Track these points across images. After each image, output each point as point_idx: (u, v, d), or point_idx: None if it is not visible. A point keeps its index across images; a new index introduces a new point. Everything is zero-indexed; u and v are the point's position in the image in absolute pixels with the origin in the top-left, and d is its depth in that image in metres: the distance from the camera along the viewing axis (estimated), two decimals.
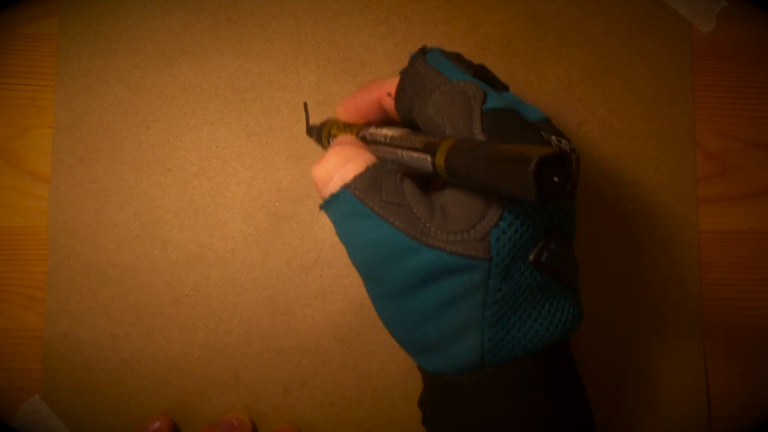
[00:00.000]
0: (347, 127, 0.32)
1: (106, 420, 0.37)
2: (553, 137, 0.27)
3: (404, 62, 0.39)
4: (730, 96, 0.41)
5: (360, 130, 0.31)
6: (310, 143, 0.39)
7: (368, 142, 0.30)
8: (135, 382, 0.38)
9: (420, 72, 0.28)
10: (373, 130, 0.30)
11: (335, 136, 0.33)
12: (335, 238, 0.39)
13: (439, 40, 0.40)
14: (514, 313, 0.26)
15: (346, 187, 0.27)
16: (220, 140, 0.39)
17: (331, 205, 0.28)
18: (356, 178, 0.27)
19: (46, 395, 0.37)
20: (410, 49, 0.40)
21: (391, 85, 0.30)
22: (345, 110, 0.32)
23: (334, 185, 0.27)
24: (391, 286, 0.27)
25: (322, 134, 0.34)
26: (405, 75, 0.29)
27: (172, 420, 0.36)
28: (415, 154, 0.26)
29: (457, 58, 0.29)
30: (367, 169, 0.27)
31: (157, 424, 0.36)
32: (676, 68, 0.41)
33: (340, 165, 0.27)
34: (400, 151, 0.27)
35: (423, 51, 0.29)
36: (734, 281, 0.40)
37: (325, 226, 0.39)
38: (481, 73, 0.29)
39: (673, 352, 0.39)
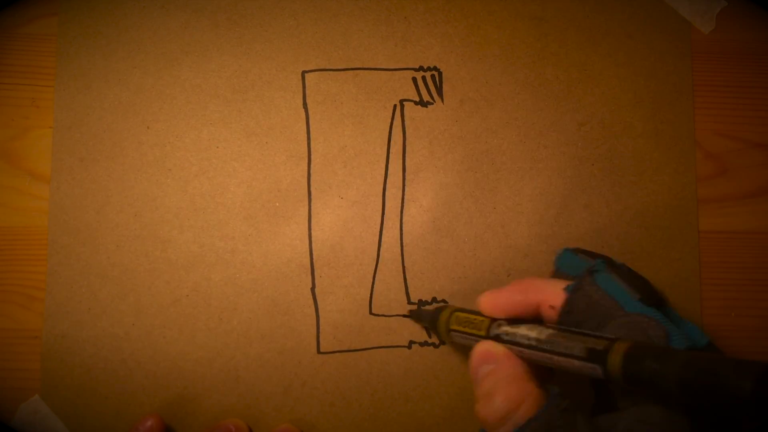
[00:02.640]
0: (471, 319, 0.31)
1: (106, 420, 0.37)
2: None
3: (404, 62, 0.40)
4: (730, 96, 0.41)
5: (491, 327, 0.30)
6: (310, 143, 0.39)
7: (501, 341, 0.29)
8: (135, 382, 0.38)
9: (592, 297, 0.27)
10: (507, 328, 0.29)
11: (461, 331, 0.31)
12: (335, 239, 0.39)
13: (439, 40, 0.40)
14: None
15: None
16: (220, 140, 0.39)
17: None
18: (530, 422, 0.26)
19: (45, 395, 0.37)
20: (410, 49, 0.40)
21: (554, 295, 0.28)
22: (492, 305, 0.30)
23: (506, 429, 0.26)
24: None
25: (438, 325, 0.33)
26: (574, 296, 0.28)
27: (162, 419, 0.36)
28: (576, 363, 0.25)
29: (627, 279, 0.28)
30: (541, 413, 0.26)
31: (149, 423, 0.36)
32: (676, 68, 0.41)
33: (511, 410, 0.26)
34: (555, 358, 0.26)
35: (591, 270, 0.28)
36: (734, 281, 0.40)
37: (325, 227, 0.39)
38: (646, 291, 0.28)
39: None
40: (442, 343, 0.38)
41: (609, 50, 0.41)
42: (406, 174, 0.39)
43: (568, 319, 0.28)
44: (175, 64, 0.39)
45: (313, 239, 0.39)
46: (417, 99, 0.40)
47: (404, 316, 0.38)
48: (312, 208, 0.39)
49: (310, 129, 0.39)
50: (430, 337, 0.38)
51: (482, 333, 0.31)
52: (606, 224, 0.40)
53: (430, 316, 0.35)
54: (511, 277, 0.39)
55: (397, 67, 0.40)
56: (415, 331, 0.39)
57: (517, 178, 0.40)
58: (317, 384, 0.38)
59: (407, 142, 0.39)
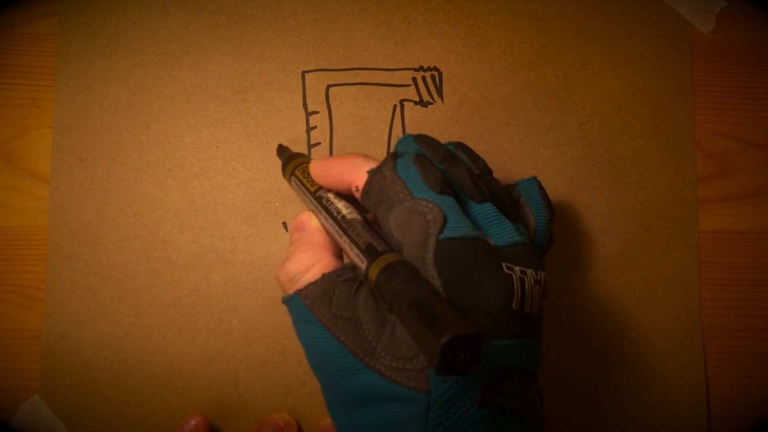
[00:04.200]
0: (305, 182, 0.32)
1: (106, 420, 0.37)
2: (517, 268, 0.26)
3: (404, 62, 0.40)
4: (730, 96, 0.41)
5: (319, 190, 0.31)
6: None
7: (320, 205, 0.30)
8: (134, 382, 0.38)
9: (387, 180, 0.27)
10: (331, 196, 0.30)
11: (299, 178, 0.32)
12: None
13: (439, 40, 0.40)
14: None
15: (298, 293, 0.27)
16: (220, 140, 0.39)
17: (287, 305, 0.28)
18: (309, 286, 0.27)
19: (45, 395, 0.37)
20: (410, 49, 0.40)
21: (360, 176, 0.29)
22: (316, 172, 0.31)
23: (290, 288, 0.28)
24: (337, 397, 0.27)
25: (287, 167, 0.34)
26: (372, 178, 0.28)
27: (207, 417, 0.37)
28: (354, 251, 0.26)
29: (427, 163, 0.28)
30: (322, 278, 0.27)
31: (193, 422, 0.36)
32: (676, 68, 0.41)
33: (300, 272, 0.27)
34: (343, 236, 0.27)
35: (395, 155, 0.28)
36: (734, 281, 0.40)
37: None
38: (457, 173, 0.28)
39: (673, 352, 0.39)
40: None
41: (609, 50, 0.41)
42: None
43: (367, 200, 0.28)
44: (175, 64, 0.39)
45: None
46: (417, 99, 0.40)
47: (277, 152, 0.37)
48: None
49: (310, 129, 0.39)
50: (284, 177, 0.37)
51: (312, 189, 0.31)
52: (606, 224, 0.40)
53: (286, 157, 0.35)
54: None
55: (397, 67, 0.40)
56: None
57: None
58: (317, 384, 0.38)
59: None
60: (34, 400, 0.37)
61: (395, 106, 0.40)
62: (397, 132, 0.40)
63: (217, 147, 0.39)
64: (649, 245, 0.40)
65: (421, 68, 0.40)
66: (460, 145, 0.32)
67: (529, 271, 0.26)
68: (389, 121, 0.40)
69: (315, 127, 0.39)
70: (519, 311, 0.25)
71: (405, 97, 0.40)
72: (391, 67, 0.40)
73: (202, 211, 0.39)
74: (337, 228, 0.28)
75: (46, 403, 0.37)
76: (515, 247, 0.27)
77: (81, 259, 0.38)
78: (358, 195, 0.29)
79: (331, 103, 0.39)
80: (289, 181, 0.34)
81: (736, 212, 0.40)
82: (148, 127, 0.39)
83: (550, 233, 0.32)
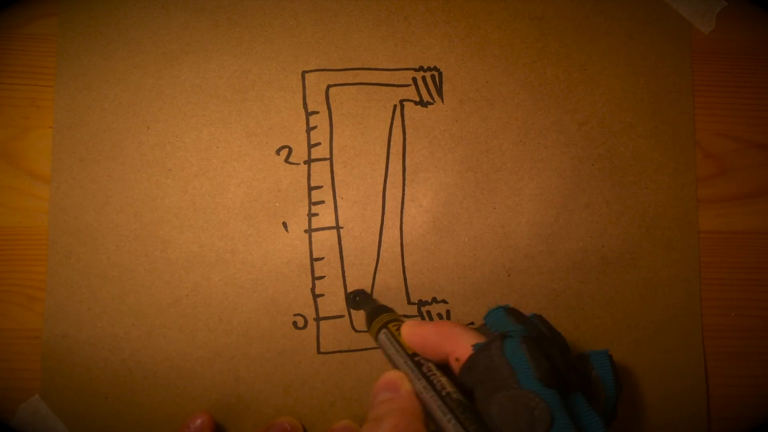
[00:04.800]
0: (398, 342, 0.31)
1: (106, 420, 0.37)
2: None
3: (404, 62, 0.40)
4: (731, 96, 0.41)
5: (417, 355, 0.30)
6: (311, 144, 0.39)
7: (420, 375, 0.29)
8: (134, 382, 0.38)
9: (494, 361, 0.27)
10: (433, 367, 0.29)
11: (394, 337, 0.32)
12: (334, 239, 0.39)
13: (439, 40, 0.40)
14: None
15: None
16: (220, 140, 0.39)
17: None
18: None
19: (45, 395, 0.37)
20: (410, 49, 0.40)
21: (463, 349, 0.28)
22: (411, 337, 0.31)
23: None
24: None
25: (374, 321, 0.34)
26: (479, 355, 0.28)
27: (212, 416, 0.37)
28: None
29: (535, 351, 0.28)
30: None
31: (198, 421, 0.36)
32: (676, 68, 0.41)
33: None
34: (447, 415, 0.27)
35: (503, 336, 0.28)
36: (734, 281, 0.40)
37: (324, 226, 0.39)
38: (556, 372, 0.28)
39: (673, 352, 0.39)
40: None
41: (609, 50, 0.41)
42: (406, 174, 0.39)
43: (467, 375, 0.28)
44: (175, 64, 0.39)
45: (313, 239, 0.39)
46: (417, 99, 0.40)
47: (347, 295, 0.38)
48: (312, 208, 0.39)
49: (310, 129, 0.39)
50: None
51: (410, 353, 0.31)
52: (606, 224, 0.40)
53: (371, 309, 0.35)
54: (511, 277, 0.39)
55: (397, 67, 0.40)
56: None
57: (517, 178, 0.40)
58: (317, 384, 0.38)
59: (407, 142, 0.39)
60: (34, 400, 0.37)
61: (395, 106, 0.40)
62: (398, 132, 0.40)
63: (217, 147, 0.39)
64: (649, 245, 0.40)
65: (421, 68, 0.40)
66: (539, 318, 0.32)
67: None
68: (389, 121, 0.40)
69: (315, 127, 0.39)
70: None
71: (405, 97, 0.40)
72: (391, 67, 0.40)
73: (202, 211, 0.39)
74: (440, 404, 0.27)
75: (46, 403, 0.37)
76: None
77: (81, 259, 0.38)
78: (456, 366, 0.29)
79: (331, 103, 0.39)
80: (376, 336, 0.34)
81: (736, 212, 0.40)
82: (148, 127, 0.39)
83: (617, 409, 0.33)
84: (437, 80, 0.40)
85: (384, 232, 0.39)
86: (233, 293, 0.38)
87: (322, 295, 0.39)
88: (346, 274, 0.39)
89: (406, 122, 0.40)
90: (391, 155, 0.39)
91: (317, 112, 0.39)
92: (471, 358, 0.28)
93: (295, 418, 0.38)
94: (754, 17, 0.42)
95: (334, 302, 0.38)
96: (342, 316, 0.39)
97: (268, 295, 0.38)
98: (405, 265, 0.39)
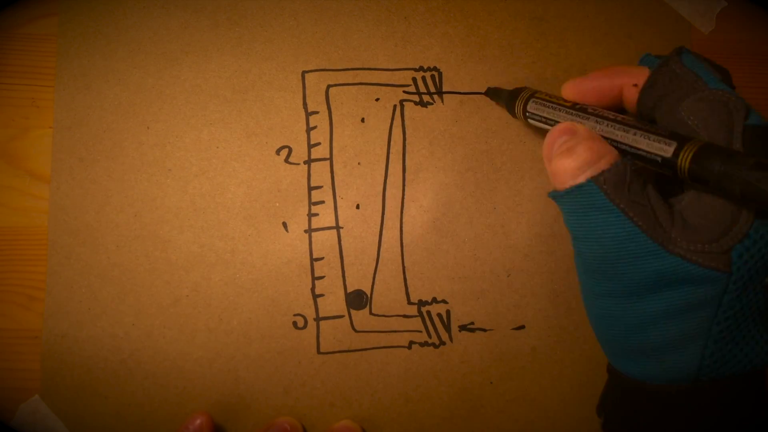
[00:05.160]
0: (554, 101, 0.32)
1: (106, 420, 0.37)
2: None
3: (404, 62, 0.40)
4: None
5: (574, 105, 0.30)
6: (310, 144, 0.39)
7: (588, 114, 0.30)
8: (134, 382, 0.38)
9: (676, 72, 0.28)
10: (597, 108, 0.30)
11: (546, 99, 0.32)
12: (334, 239, 0.39)
13: (439, 40, 0.40)
14: (740, 331, 0.25)
15: (593, 180, 0.26)
16: (220, 140, 0.39)
17: (571, 195, 0.27)
18: (605, 172, 0.26)
19: (45, 395, 0.37)
20: (410, 49, 0.40)
21: (638, 75, 0.29)
22: (578, 89, 0.31)
23: (579, 179, 0.27)
24: (621, 286, 0.27)
25: (516, 101, 0.34)
26: (659, 71, 0.29)
27: (211, 416, 0.37)
28: (653, 137, 0.26)
29: (712, 66, 0.29)
30: (617, 164, 0.27)
31: (198, 421, 0.36)
32: None
33: (593, 160, 0.27)
34: (632, 131, 0.27)
35: (678, 51, 0.29)
36: None
37: (325, 226, 0.39)
38: (728, 79, 0.29)
39: None
40: (442, 343, 0.38)
41: (609, 50, 0.41)
42: (406, 174, 0.39)
43: (650, 94, 0.29)
44: (175, 64, 0.39)
45: (313, 239, 0.39)
46: (417, 99, 0.40)
47: (481, 93, 0.39)
48: (312, 208, 0.39)
49: (310, 129, 0.39)
50: (429, 337, 0.39)
51: (568, 104, 0.31)
52: None
53: (507, 94, 0.36)
54: (511, 277, 0.39)
55: (397, 67, 0.40)
56: (415, 331, 0.39)
57: (517, 178, 0.40)
58: (317, 384, 0.38)
59: (407, 142, 0.39)
60: (34, 400, 0.37)
61: (395, 106, 0.40)
62: (398, 132, 0.40)
63: (217, 147, 0.39)
64: None
65: (421, 68, 0.40)
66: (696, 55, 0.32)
67: None
68: (389, 121, 0.40)
69: (315, 127, 0.39)
70: None
71: (405, 97, 0.40)
72: (391, 67, 0.40)
73: (202, 211, 0.39)
74: (620, 126, 0.28)
75: (46, 403, 0.37)
76: None
77: (81, 259, 0.38)
78: (634, 92, 0.29)
79: (331, 103, 0.39)
80: (524, 105, 0.34)
81: None
82: (148, 127, 0.39)
83: None
84: (437, 80, 0.40)
85: (384, 232, 0.39)
86: (233, 293, 0.38)
87: (322, 295, 0.39)
88: (346, 274, 0.39)
89: (406, 122, 0.40)
90: (391, 155, 0.39)
91: (317, 112, 0.39)
92: (651, 76, 0.29)
93: (295, 418, 0.38)
94: (754, 17, 0.42)
95: (334, 302, 0.38)
96: (342, 316, 0.39)
97: (268, 295, 0.38)
98: (405, 265, 0.39)
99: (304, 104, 0.39)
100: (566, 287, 0.39)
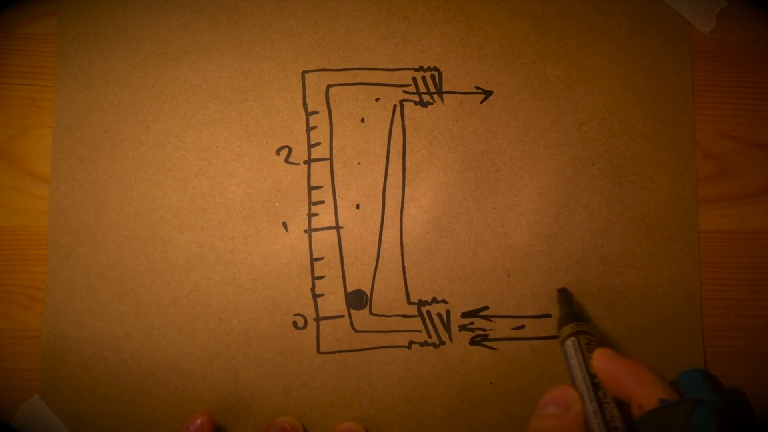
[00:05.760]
0: (585, 356, 0.33)
1: (106, 420, 0.37)
2: None
3: (404, 62, 0.40)
4: (730, 96, 0.41)
5: (597, 377, 0.31)
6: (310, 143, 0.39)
7: (596, 398, 0.30)
8: (134, 382, 0.38)
9: (677, 425, 0.27)
10: (609, 395, 0.30)
11: (584, 350, 0.33)
12: (334, 239, 0.39)
13: (439, 40, 0.40)
14: None
15: None
16: (220, 140, 0.39)
17: None
18: None
19: (45, 395, 0.37)
20: (410, 49, 0.40)
21: (648, 398, 0.28)
22: (601, 365, 0.31)
23: None
24: None
25: (565, 326, 0.35)
26: (663, 411, 0.27)
27: (212, 416, 0.36)
28: None
29: (726, 426, 0.27)
30: None
31: (198, 421, 0.36)
32: (676, 68, 0.41)
33: None
34: None
35: (695, 402, 0.27)
36: (734, 281, 0.40)
37: (324, 226, 0.39)
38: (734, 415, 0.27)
39: (673, 352, 0.39)
40: (442, 343, 0.38)
41: (609, 50, 0.41)
42: (406, 174, 0.39)
43: (645, 427, 0.28)
44: (175, 64, 0.39)
45: (313, 239, 0.39)
46: (417, 99, 0.40)
47: (558, 290, 0.38)
48: (312, 208, 0.39)
49: (310, 129, 0.39)
50: (429, 337, 0.39)
51: (591, 372, 0.31)
52: (606, 224, 0.40)
53: (572, 312, 0.36)
54: (511, 277, 0.39)
55: (397, 67, 0.40)
56: (414, 331, 0.39)
57: (517, 178, 0.40)
58: (317, 384, 0.38)
59: (407, 142, 0.39)
60: (34, 400, 0.37)
61: (395, 106, 0.40)
62: (398, 132, 0.40)
63: (217, 147, 0.39)
64: (649, 245, 0.40)
65: (421, 68, 0.40)
66: (739, 393, 0.31)
67: None
68: (389, 121, 0.40)
69: (315, 127, 0.39)
70: None
71: (405, 97, 0.40)
72: (391, 67, 0.40)
73: (202, 211, 0.39)
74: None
75: (46, 403, 0.37)
76: None
77: (81, 259, 0.38)
78: (637, 412, 0.29)
79: (331, 103, 0.39)
80: (563, 341, 0.35)
81: (736, 212, 0.40)
82: (148, 127, 0.39)
83: None
84: (437, 80, 0.40)
85: (384, 232, 0.39)
86: (233, 293, 0.38)
87: (322, 295, 0.39)
88: (346, 274, 0.39)
89: (406, 122, 0.40)
90: (391, 155, 0.39)
91: (317, 112, 0.39)
92: (654, 411, 0.28)
93: (295, 418, 0.38)
94: (754, 17, 0.42)
95: (334, 302, 0.38)
96: (342, 316, 0.39)
97: (268, 295, 0.38)
98: (405, 265, 0.39)
99: (304, 104, 0.39)
100: (566, 287, 0.39)
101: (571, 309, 0.37)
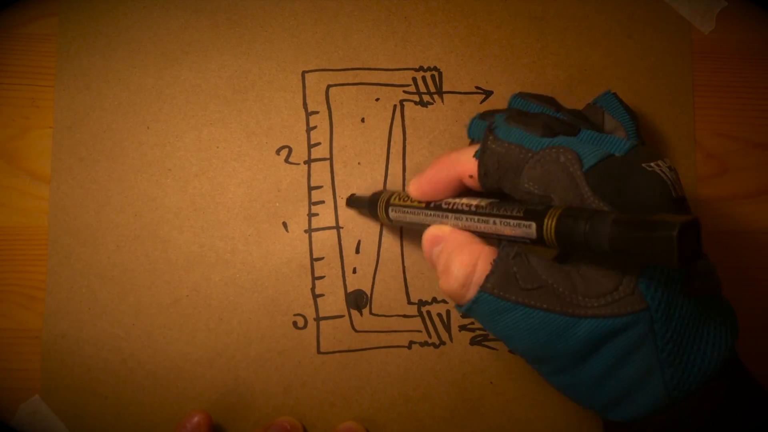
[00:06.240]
0: (410, 204, 0.32)
1: (106, 420, 0.37)
2: (652, 163, 0.27)
3: (404, 62, 0.40)
4: (730, 96, 0.41)
5: (428, 205, 0.31)
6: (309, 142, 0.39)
7: (443, 211, 0.30)
8: (134, 382, 0.38)
9: (499, 151, 0.28)
10: (448, 200, 0.30)
11: (401, 204, 0.33)
12: (334, 239, 0.39)
13: (439, 40, 0.40)
14: (686, 344, 0.25)
15: (482, 289, 0.27)
16: (220, 140, 0.39)
17: (473, 310, 0.28)
18: (488, 278, 0.27)
19: (45, 395, 0.37)
20: (410, 49, 0.40)
21: (468, 162, 0.29)
22: (420, 189, 0.31)
23: (468, 292, 0.28)
24: (559, 363, 0.27)
25: (377, 206, 0.34)
26: (483, 157, 0.29)
27: (209, 415, 0.36)
28: (513, 223, 0.26)
29: (523, 117, 0.29)
30: (496, 265, 0.27)
31: (195, 419, 0.36)
32: (676, 68, 0.41)
33: (469, 273, 0.28)
34: (491, 221, 0.27)
35: (490, 128, 0.29)
36: (734, 281, 0.40)
37: (324, 226, 0.39)
38: (550, 120, 0.29)
39: None
40: (442, 343, 0.38)
41: (609, 50, 0.41)
42: (406, 174, 0.39)
43: (487, 180, 0.29)
44: (175, 64, 0.39)
45: (313, 239, 0.39)
46: (417, 99, 0.40)
47: (346, 204, 0.38)
48: (312, 208, 0.39)
49: (310, 129, 0.39)
50: (430, 337, 0.38)
51: (422, 205, 0.31)
52: None
53: (367, 201, 0.36)
54: None
55: (397, 67, 0.40)
56: (415, 331, 0.39)
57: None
58: (317, 384, 0.38)
59: (407, 142, 0.39)
60: (34, 400, 0.37)
61: (395, 106, 0.40)
62: (398, 132, 0.40)
63: (217, 147, 0.39)
64: None
65: (421, 68, 0.40)
66: (521, 96, 0.33)
67: (659, 162, 0.27)
68: (389, 121, 0.40)
69: (315, 127, 0.39)
70: (678, 197, 0.27)
71: (405, 97, 0.40)
72: (391, 67, 0.40)
73: (202, 211, 0.39)
74: (477, 218, 0.28)
75: (46, 403, 0.37)
76: (635, 150, 0.28)
77: (81, 259, 0.38)
78: (473, 182, 0.29)
79: (331, 103, 0.39)
80: (386, 214, 0.34)
81: (736, 212, 0.40)
82: (148, 127, 0.39)
83: (641, 137, 0.33)
84: (437, 80, 0.40)
85: (384, 232, 0.39)
86: (233, 293, 0.38)
87: (322, 295, 0.39)
88: (346, 274, 0.39)
89: (406, 122, 0.40)
90: (391, 155, 0.39)
91: (317, 112, 0.39)
92: (480, 164, 0.29)
93: (295, 418, 0.38)
94: (754, 17, 0.42)
95: (334, 302, 0.38)
96: (342, 316, 0.39)
97: (268, 295, 0.38)
98: (405, 265, 0.39)
99: (304, 104, 0.39)
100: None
101: (363, 197, 0.37)
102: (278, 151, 0.39)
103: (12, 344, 0.38)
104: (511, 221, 0.26)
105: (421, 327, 0.39)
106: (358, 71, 0.40)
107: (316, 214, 0.39)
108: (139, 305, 0.38)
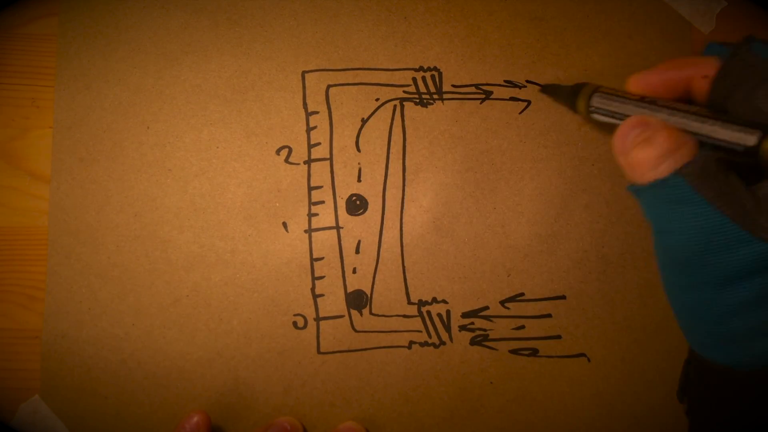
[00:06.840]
0: (621, 94, 0.31)
1: (106, 420, 0.37)
2: None
3: (404, 62, 0.40)
4: None
5: (642, 98, 0.30)
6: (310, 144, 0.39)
7: (658, 106, 0.29)
8: (134, 382, 0.38)
9: (749, 61, 0.28)
10: (667, 100, 0.29)
11: (611, 93, 0.32)
12: (334, 239, 0.39)
13: (439, 40, 0.40)
14: None
15: (678, 172, 0.26)
16: (220, 140, 0.39)
17: (655, 189, 0.27)
18: (689, 164, 0.26)
19: (45, 395, 0.37)
20: (410, 49, 0.40)
21: (708, 66, 0.29)
22: (645, 80, 0.31)
23: (662, 170, 0.27)
24: (710, 276, 0.26)
25: (578, 96, 0.34)
26: (731, 61, 0.28)
27: (208, 415, 0.36)
28: (734, 127, 0.26)
29: None
30: (700, 156, 0.26)
31: (194, 419, 0.36)
32: None
33: (673, 149, 0.27)
34: (709, 121, 0.27)
35: (748, 39, 0.28)
36: None
37: (324, 226, 0.39)
38: None
39: (674, 352, 0.39)
40: (442, 343, 0.38)
41: (609, 50, 0.41)
42: (406, 174, 0.39)
43: (722, 84, 0.28)
44: (175, 64, 0.39)
45: (313, 239, 0.39)
46: (417, 99, 0.40)
47: (539, 90, 0.39)
48: (312, 208, 0.39)
49: (310, 129, 0.39)
50: (430, 337, 0.39)
51: (636, 97, 0.30)
52: (606, 224, 0.40)
53: (569, 88, 0.36)
54: (511, 277, 0.39)
55: (397, 67, 0.40)
56: (415, 331, 0.39)
57: (517, 178, 0.40)
58: (317, 384, 0.38)
59: (407, 142, 0.39)
60: (34, 400, 0.37)
61: (395, 106, 0.40)
62: (398, 132, 0.40)
63: (217, 147, 0.39)
64: (649, 245, 0.40)
65: (421, 68, 0.40)
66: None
67: None
68: (389, 121, 0.40)
69: (315, 127, 0.39)
70: None
71: (405, 97, 0.40)
72: (391, 67, 0.40)
73: (202, 211, 0.39)
74: (696, 117, 0.28)
75: (46, 403, 0.37)
76: None
77: (81, 259, 0.38)
78: (705, 83, 0.29)
79: (331, 103, 0.39)
80: (587, 104, 0.33)
81: None
82: (148, 127, 0.39)
83: None
84: (437, 80, 0.40)
85: (384, 232, 0.39)
86: (233, 293, 0.38)
87: (322, 295, 0.39)
88: (346, 274, 0.39)
89: (406, 122, 0.40)
90: (391, 155, 0.39)
91: (317, 112, 0.39)
92: (724, 67, 0.28)
93: (295, 418, 0.38)
94: (754, 17, 0.42)
95: (334, 302, 0.39)
96: (342, 316, 0.39)
97: (268, 295, 0.38)
98: (405, 265, 0.39)
99: (304, 104, 0.39)
100: (566, 287, 0.39)
101: (565, 87, 0.36)
102: (278, 151, 0.39)
103: (12, 344, 0.38)
104: (733, 125, 0.26)
105: (421, 327, 0.39)
106: (358, 71, 0.40)
107: (316, 214, 0.39)
108: (139, 305, 0.38)
